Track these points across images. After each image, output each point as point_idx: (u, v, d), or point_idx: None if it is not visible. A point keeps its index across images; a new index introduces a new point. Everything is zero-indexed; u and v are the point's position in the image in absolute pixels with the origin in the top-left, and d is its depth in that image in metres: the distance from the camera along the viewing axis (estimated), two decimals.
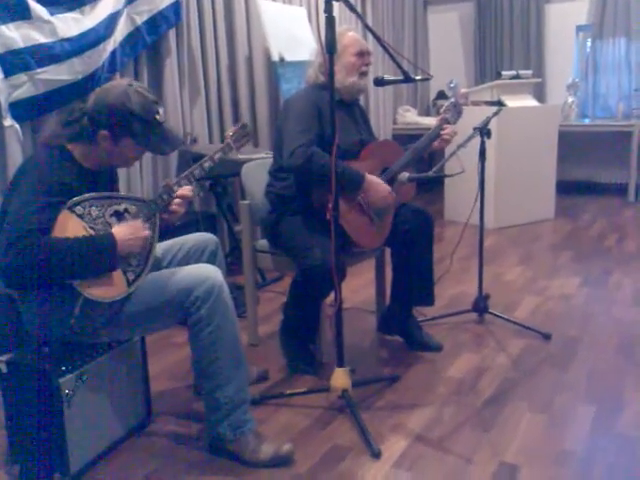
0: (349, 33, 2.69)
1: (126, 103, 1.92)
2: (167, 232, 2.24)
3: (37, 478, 1.96)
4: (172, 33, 3.83)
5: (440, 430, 2.21)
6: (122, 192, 2.34)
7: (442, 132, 2.77)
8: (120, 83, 1.98)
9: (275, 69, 4.34)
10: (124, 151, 1.99)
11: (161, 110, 2.02)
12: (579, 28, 6.51)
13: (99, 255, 1.84)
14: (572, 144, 6.21)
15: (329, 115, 2.12)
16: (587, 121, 6.35)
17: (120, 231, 1.91)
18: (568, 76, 6.38)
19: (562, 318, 3.21)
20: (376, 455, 2.05)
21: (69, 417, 1.91)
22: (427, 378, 2.61)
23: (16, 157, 2.90)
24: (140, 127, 1.95)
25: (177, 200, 2.10)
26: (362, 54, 2.67)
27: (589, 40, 6.43)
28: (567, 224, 5.22)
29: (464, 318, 3.18)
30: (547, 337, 2.94)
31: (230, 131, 2.31)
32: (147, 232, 1.98)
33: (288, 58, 4.32)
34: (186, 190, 2.11)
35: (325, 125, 2.52)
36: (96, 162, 2.01)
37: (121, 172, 2.45)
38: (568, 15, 6.47)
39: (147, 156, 3.76)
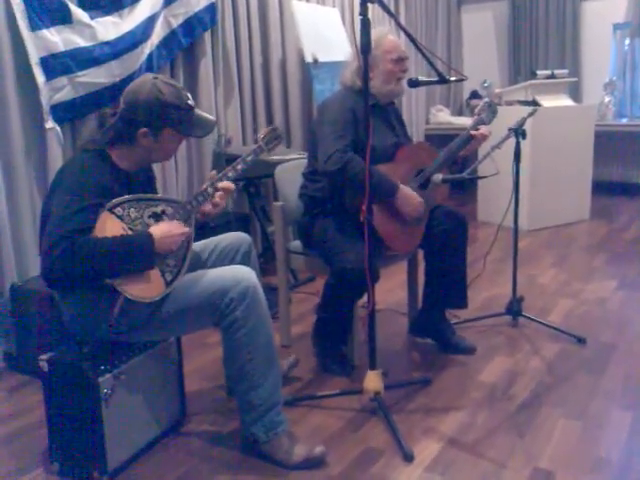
0: (389, 37, 2.67)
1: (159, 96, 1.96)
2: (202, 232, 2.28)
3: (76, 475, 2.01)
4: (207, 35, 3.88)
5: (473, 434, 2.20)
6: (159, 193, 2.38)
7: (476, 132, 2.75)
8: (145, 79, 2.02)
9: (308, 70, 4.35)
10: (164, 144, 2.04)
11: (190, 95, 2.07)
12: (616, 26, 6.38)
13: (137, 252, 1.89)
14: (609, 144, 6.09)
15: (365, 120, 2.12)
16: (625, 120, 6.22)
17: (157, 229, 1.95)
18: (605, 75, 6.27)
19: (597, 322, 3.16)
20: (409, 458, 2.05)
21: (107, 416, 1.96)
22: (460, 381, 2.60)
23: (57, 159, 2.98)
24: (177, 115, 1.99)
25: (219, 193, 2.12)
26: (401, 60, 2.66)
27: (627, 38, 6.30)
28: (603, 226, 5.14)
29: (497, 321, 3.15)
30: (582, 341, 2.90)
31: (261, 134, 2.33)
32: (185, 229, 2.01)
33: (321, 59, 4.33)
34: (228, 183, 2.14)
35: (361, 130, 2.52)
36: (136, 162, 2.06)
37: (157, 174, 2.49)
38: (605, 13, 6.34)
39: (182, 157, 3.82)
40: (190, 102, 2.05)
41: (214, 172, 2.17)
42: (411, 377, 2.67)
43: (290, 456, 2.03)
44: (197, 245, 2.33)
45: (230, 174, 2.17)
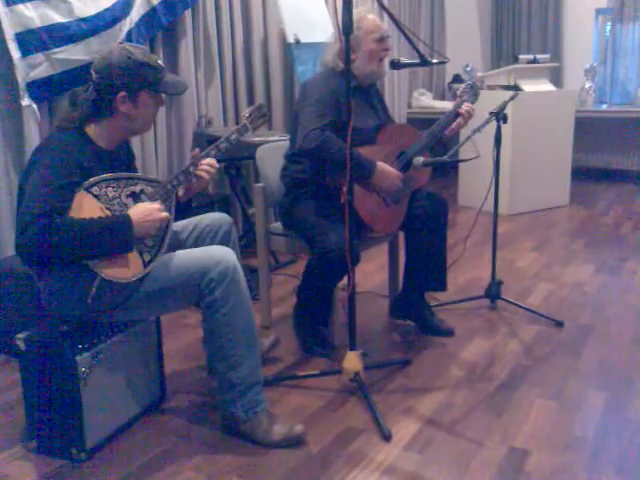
0: (369, 16, 2.65)
1: (130, 56, 1.95)
2: (183, 214, 2.27)
3: (53, 453, 2.00)
4: (188, 14, 3.81)
5: (451, 414, 2.22)
6: (138, 172, 2.35)
7: (460, 110, 2.75)
8: (112, 47, 2.00)
9: (290, 51, 4.31)
10: (143, 108, 2.01)
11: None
12: (599, 12, 6.40)
13: (115, 236, 1.86)
14: (589, 130, 6.14)
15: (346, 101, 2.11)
16: (604, 107, 6.26)
17: (136, 212, 1.93)
18: (586, 61, 6.29)
19: (575, 305, 3.20)
20: (387, 437, 2.07)
21: (85, 394, 1.95)
22: (439, 363, 2.62)
23: (33, 137, 2.93)
24: (151, 74, 1.98)
25: (204, 167, 2.11)
26: (382, 39, 2.64)
27: (609, 24, 6.33)
28: (582, 211, 5.19)
29: (477, 304, 3.18)
30: (560, 324, 2.94)
31: (246, 112, 2.31)
32: (164, 214, 1.99)
33: (303, 40, 4.29)
34: (211, 160, 2.14)
35: (343, 112, 2.50)
36: (115, 136, 2.03)
37: (137, 155, 2.46)
38: None
39: (162, 137, 3.77)
40: (160, 62, 2.04)
41: (197, 150, 2.15)
42: (390, 358, 2.69)
43: (269, 435, 2.04)
44: (177, 225, 2.31)
45: (212, 153, 2.15)
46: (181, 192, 2.15)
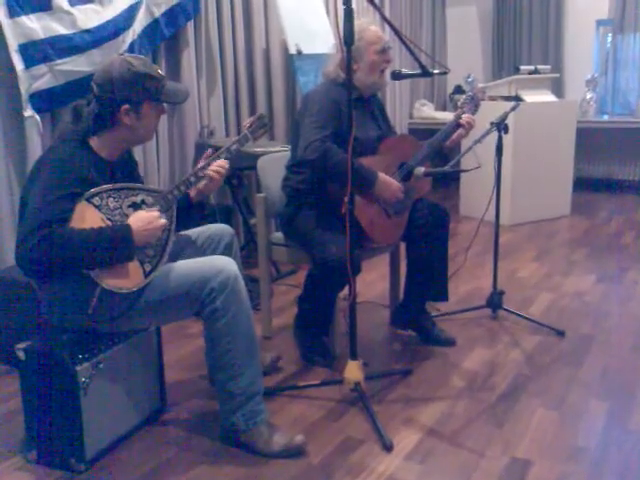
0: (371, 28, 2.66)
1: (131, 68, 1.96)
2: (185, 226, 2.28)
3: (53, 463, 2.00)
4: (190, 25, 3.84)
5: (452, 424, 2.21)
6: (142, 178, 2.36)
7: (460, 121, 2.76)
8: (112, 59, 2.01)
9: (292, 62, 4.34)
10: (146, 119, 2.02)
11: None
12: (599, 23, 6.42)
13: (115, 245, 1.86)
14: (590, 140, 6.15)
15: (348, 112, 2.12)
16: (606, 117, 6.28)
17: (136, 221, 1.93)
18: (587, 71, 6.31)
19: (576, 315, 3.19)
20: (388, 448, 2.06)
21: (85, 404, 1.94)
22: (440, 372, 2.61)
23: (36, 148, 2.94)
24: (152, 84, 1.99)
25: (214, 167, 2.13)
26: (384, 51, 2.65)
27: (609, 35, 6.35)
28: (584, 221, 5.18)
29: (478, 314, 3.17)
30: (561, 334, 2.93)
31: (247, 122, 2.32)
32: (163, 221, 2.00)
33: (305, 51, 4.31)
34: (222, 161, 2.15)
35: (344, 123, 2.51)
36: (117, 147, 2.04)
37: (139, 163, 2.47)
38: (588, 9, 6.38)
39: (164, 148, 3.78)
40: (161, 71, 2.05)
41: (210, 151, 2.17)
42: (391, 368, 2.68)
43: (270, 445, 2.03)
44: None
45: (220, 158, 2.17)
46: (193, 192, 2.17)
